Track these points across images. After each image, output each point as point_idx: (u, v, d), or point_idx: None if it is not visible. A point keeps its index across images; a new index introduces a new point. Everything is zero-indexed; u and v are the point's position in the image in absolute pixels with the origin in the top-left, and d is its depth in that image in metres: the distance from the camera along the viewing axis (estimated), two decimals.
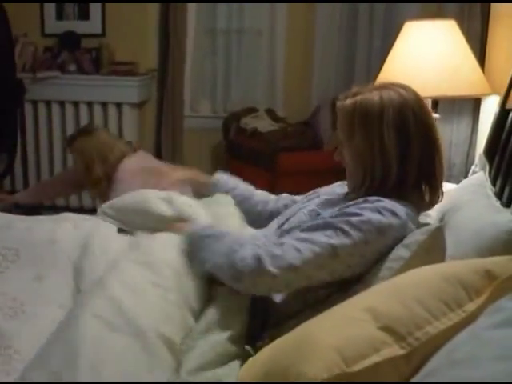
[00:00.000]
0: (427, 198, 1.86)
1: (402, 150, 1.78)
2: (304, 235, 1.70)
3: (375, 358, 1.17)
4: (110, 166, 3.41)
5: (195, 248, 1.84)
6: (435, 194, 1.86)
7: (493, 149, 2.44)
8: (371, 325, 1.22)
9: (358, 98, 1.83)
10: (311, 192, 2.18)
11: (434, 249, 1.67)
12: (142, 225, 2.14)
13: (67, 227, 2.19)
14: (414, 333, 1.20)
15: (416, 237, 1.67)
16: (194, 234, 1.89)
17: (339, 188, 2.09)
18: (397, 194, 1.78)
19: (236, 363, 1.59)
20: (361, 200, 1.76)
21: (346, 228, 1.67)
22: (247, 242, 1.78)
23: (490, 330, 1.02)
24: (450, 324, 1.21)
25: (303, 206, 2.00)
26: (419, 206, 1.84)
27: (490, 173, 2.32)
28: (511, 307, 1.04)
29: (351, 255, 1.67)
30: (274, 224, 2.04)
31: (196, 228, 1.93)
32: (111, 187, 3.31)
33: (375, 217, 1.68)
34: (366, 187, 1.83)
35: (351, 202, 1.77)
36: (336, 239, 1.66)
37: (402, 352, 1.18)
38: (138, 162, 3.48)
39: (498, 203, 2.01)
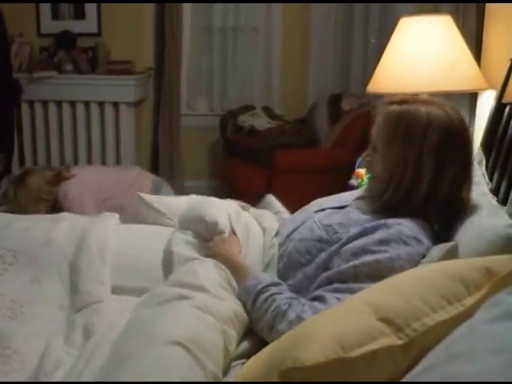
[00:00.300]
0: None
1: (437, 169, 1.77)
2: (340, 286, 1.66)
3: (372, 346, 1.18)
4: (48, 199, 3.66)
5: (247, 303, 1.77)
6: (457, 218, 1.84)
7: (489, 143, 2.44)
8: (370, 316, 1.24)
9: (405, 107, 1.81)
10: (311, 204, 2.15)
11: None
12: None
13: (63, 226, 2.18)
14: (411, 324, 1.21)
15: (432, 255, 1.66)
16: (244, 290, 1.80)
17: (349, 196, 2.06)
18: (417, 212, 1.78)
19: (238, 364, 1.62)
20: (377, 223, 1.75)
21: (378, 272, 1.64)
22: (291, 297, 1.71)
23: (487, 324, 1.02)
24: (448, 317, 1.22)
25: (311, 215, 1.96)
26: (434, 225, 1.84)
27: (486, 167, 2.32)
28: (509, 301, 1.05)
29: None
30: (283, 232, 2.02)
31: (247, 284, 1.81)
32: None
33: (403, 251, 1.67)
34: (388, 195, 1.82)
35: (369, 225, 1.75)
36: (373, 284, 1.62)
37: (399, 342, 1.19)
38: (80, 181, 3.67)
39: (494, 200, 2.00)
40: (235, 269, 1.88)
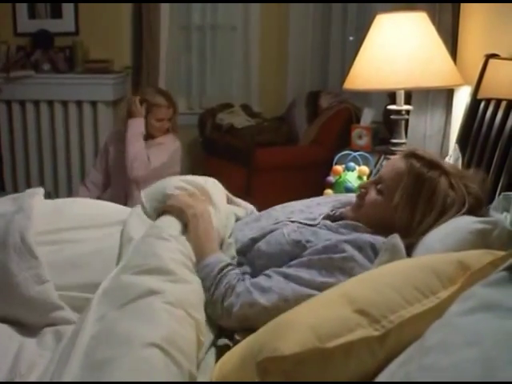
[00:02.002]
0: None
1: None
2: (291, 273, 1.71)
3: (349, 337, 1.19)
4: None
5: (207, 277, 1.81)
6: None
7: (465, 138, 2.46)
8: (346, 308, 1.25)
9: (430, 174, 1.80)
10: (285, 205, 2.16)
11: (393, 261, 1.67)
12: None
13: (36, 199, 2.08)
14: (388, 316, 1.23)
15: (380, 258, 1.68)
16: (202, 267, 1.84)
17: (316, 209, 2.05)
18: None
19: (212, 350, 1.66)
20: (336, 227, 1.82)
21: (330, 268, 1.69)
22: (242, 273, 1.79)
23: (461, 317, 1.04)
24: (424, 309, 1.24)
25: (279, 225, 1.95)
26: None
27: (462, 163, 2.34)
28: (482, 293, 1.06)
29: None
30: (247, 231, 2.02)
31: (209, 260, 1.85)
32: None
33: (357, 253, 1.71)
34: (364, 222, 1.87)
35: (334, 231, 1.82)
36: (321, 278, 1.68)
37: (375, 333, 1.21)
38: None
39: None
40: (201, 240, 1.91)
